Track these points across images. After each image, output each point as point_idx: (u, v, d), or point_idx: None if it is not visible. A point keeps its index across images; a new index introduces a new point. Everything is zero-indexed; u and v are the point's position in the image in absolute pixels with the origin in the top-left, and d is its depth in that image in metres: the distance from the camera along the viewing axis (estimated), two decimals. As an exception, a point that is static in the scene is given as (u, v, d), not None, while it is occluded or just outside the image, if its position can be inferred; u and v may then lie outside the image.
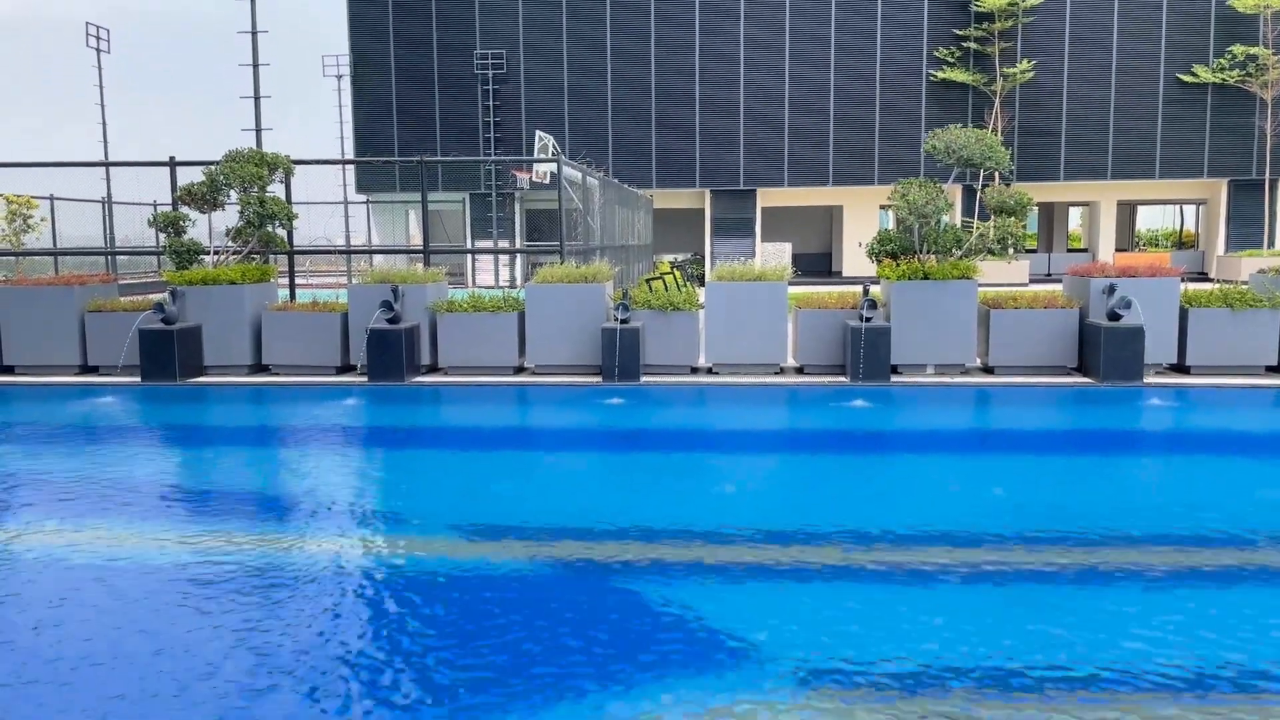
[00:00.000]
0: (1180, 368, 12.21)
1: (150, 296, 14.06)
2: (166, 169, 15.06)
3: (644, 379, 12.20)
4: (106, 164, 21.87)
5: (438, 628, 5.03)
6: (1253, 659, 4.50)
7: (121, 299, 13.90)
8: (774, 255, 30.45)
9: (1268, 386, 11.56)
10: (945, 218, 13.01)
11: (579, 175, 18.54)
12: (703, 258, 33.81)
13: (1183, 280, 12.50)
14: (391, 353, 12.33)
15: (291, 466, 8.96)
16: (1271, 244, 31.86)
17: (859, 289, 12.72)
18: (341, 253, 26.21)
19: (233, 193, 13.75)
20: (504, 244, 32.41)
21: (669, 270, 26.37)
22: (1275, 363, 12.02)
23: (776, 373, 12.61)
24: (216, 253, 14.12)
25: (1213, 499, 7.59)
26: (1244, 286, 12.45)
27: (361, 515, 7.25)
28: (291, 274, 16.22)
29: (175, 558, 6.03)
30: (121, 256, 28.16)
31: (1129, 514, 7.19)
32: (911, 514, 7.17)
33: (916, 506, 7.43)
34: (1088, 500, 7.53)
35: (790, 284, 12.79)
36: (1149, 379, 11.74)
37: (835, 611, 5.18)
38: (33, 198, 25.44)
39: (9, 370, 13.45)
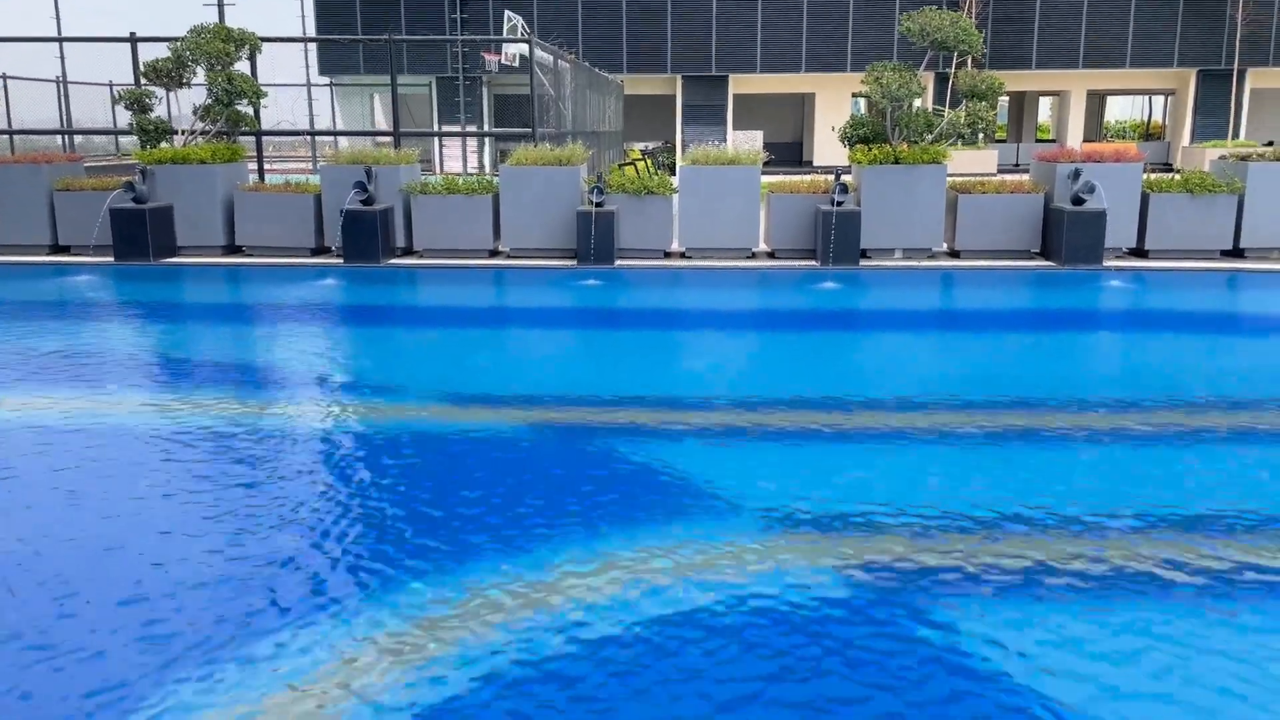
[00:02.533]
0: (1139, 252, 12.58)
1: (117, 177, 13.89)
2: (127, 45, 14.69)
3: (618, 262, 12.37)
4: (61, 39, 21.21)
5: (434, 478, 5.32)
6: (1186, 503, 4.92)
7: (89, 179, 13.74)
8: (745, 143, 30.28)
9: (1222, 270, 11.97)
10: (917, 102, 13.10)
11: (550, 59, 18.29)
12: (673, 146, 33.56)
13: (1146, 169, 12.77)
14: (367, 234, 12.38)
15: (280, 342, 9.13)
16: (1236, 135, 32.12)
17: (831, 176, 12.87)
18: (309, 135, 25.77)
19: (199, 70, 13.50)
20: (472, 129, 31.93)
21: (639, 158, 26.24)
22: (1230, 247, 12.41)
23: (749, 257, 12.83)
24: (184, 132, 13.93)
25: (1157, 371, 8.01)
26: (1204, 173, 12.75)
27: (352, 385, 7.49)
28: (260, 156, 16.03)
29: (187, 422, 6.26)
30: (78, 139, 27.50)
31: (1078, 384, 7.61)
32: (876, 385, 7.53)
33: (881, 378, 7.79)
34: (1042, 372, 7.93)
35: (762, 173, 12.91)
36: (1109, 262, 12.09)
37: (802, 468, 5.54)
38: (-17, 76, 24.67)
39: (-22, 250, 13.35)
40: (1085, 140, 35.31)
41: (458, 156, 30.84)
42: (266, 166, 16.68)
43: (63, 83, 28.44)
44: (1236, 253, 12.47)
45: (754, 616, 3.80)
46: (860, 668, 3.46)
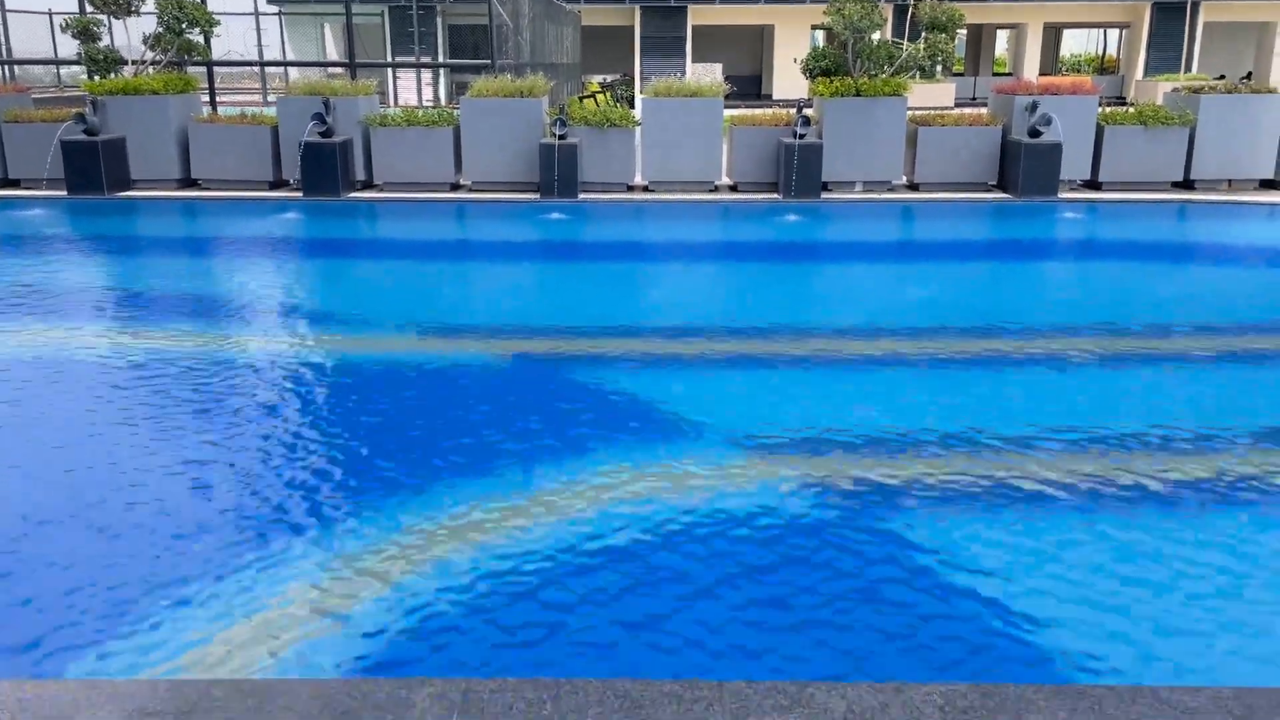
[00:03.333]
0: (1094, 184, 12.82)
1: (66, 109, 13.54)
2: (71, -29, 14.21)
3: (581, 196, 12.37)
4: (-4, -34, 20.37)
5: (407, 407, 5.42)
6: (1117, 421, 5.17)
7: (37, 110, 13.38)
8: (705, 76, 30.04)
9: (1173, 201, 12.25)
10: (878, 35, 13.12)
11: (508, -13, 17.95)
12: (632, 79, 33.19)
13: (1102, 103, 12.95)
14: (326, 167, 12.24)
15: (244, 277, 9.08)
16: (1189, 69, 32.45)
17: (793, 110, 12.90)
18: (261, 65, 25.14)
19: (148, -4, 13.13)
20: (427, 60, 31.31)
21: (598, 90, 25.97)
22: (1181, 178, 12.69)
23: (711, 190, 12.88)
24: (134, 62, 13.58)
25: (1105, 298, 8.28)
26: (1158, 106, 12.96)
27: (316, 318, 7.51)
28: (212, 88, 15.68)
29: (147, 354, 6.27)
30: (16, 70, 26.57)
31: (1031, 311, 7.86)
32: (837, 313, 7.71)
33: (842, 307, 7.97)
34: (996, 300, 8.17)
35: (724, 106, 12.90)
36: (1064, 194, 12.32)
37: (764, 394, 5.71)
38: (-86, 4, 23.67)
39: (-77, 184, 13.01)
40: (1041, 73, 35.48)
41: (412, 89, 30.26)
42: (219, 99, 16.32)
43: (1, 11, 27.38)
44: (1187, 184, 12.76)
45: (720, 527, 3.98)
46: (817, 569, 3.66)
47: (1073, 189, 12.76)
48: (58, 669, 3.07)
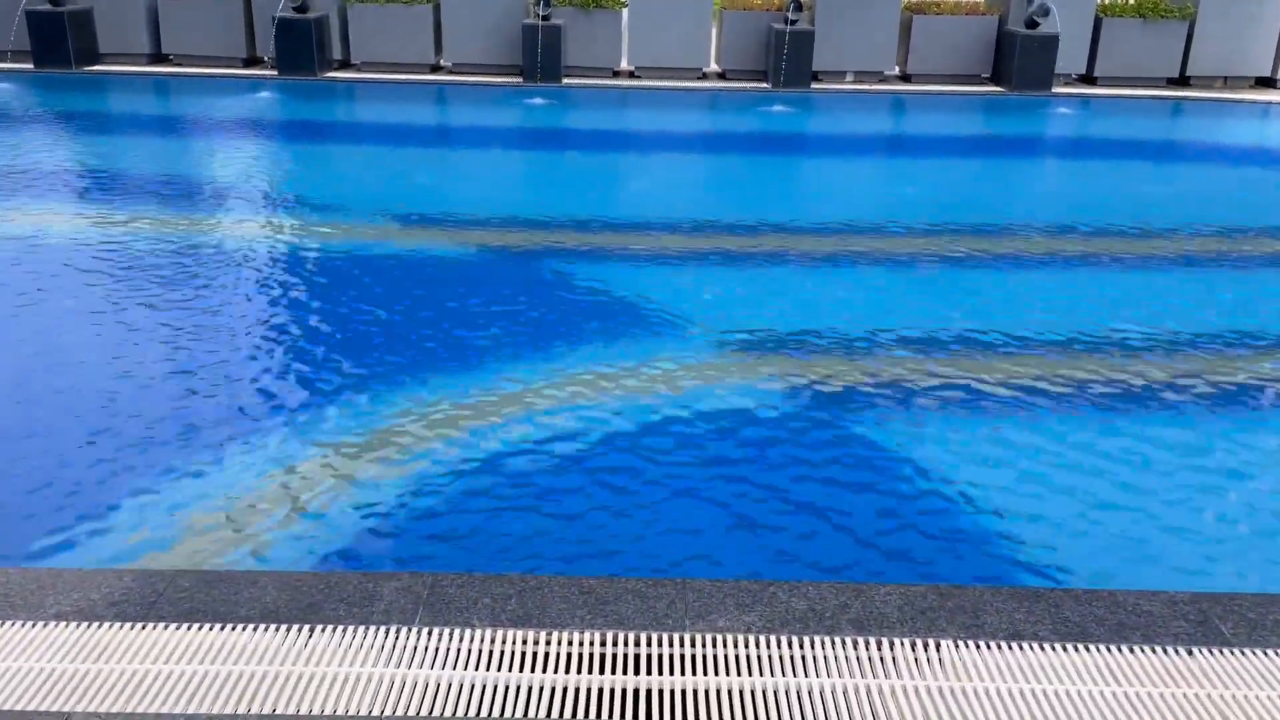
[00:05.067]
0: (1088, 78, 12.56)
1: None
2: None
3: (565, 80, 12.03)
4: None
5: (380, 298, 5.36)
6: (1103, 320, 5.17)
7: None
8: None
9: (1168, 97, 12.04)
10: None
11: None
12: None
13: (1102, -7, 12.59)
14: (301, 44, 11.82)
15: (216, 159, 8.85)
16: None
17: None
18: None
19: None
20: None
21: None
22: (1177, 75, 12.44)
23: (699, 78, 12.56)
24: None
25: (1091, 197, 8.19)
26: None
27: (291, 204, 7.36)
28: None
29: (114, 238, 6.14)
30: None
31: (1018, 209, 7.78)
32: (825, 209, 7.61)
33: (829, 203, 7.86)
34: (983, 198, 8.07)
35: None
36: (1058, 89, 12.08)
37: (746, 290, 5.66)
38: None
39: (-119, 54, 12.51)
40: (1043, -39, 34.39)
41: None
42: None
43: None
44: (1183, 80, 12.52)
45: (694, 425, 3.99)
46: (792, 463, 3.69)
47: (1068, 83, 12.50)
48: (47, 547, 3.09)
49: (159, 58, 12.55)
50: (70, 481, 3.51)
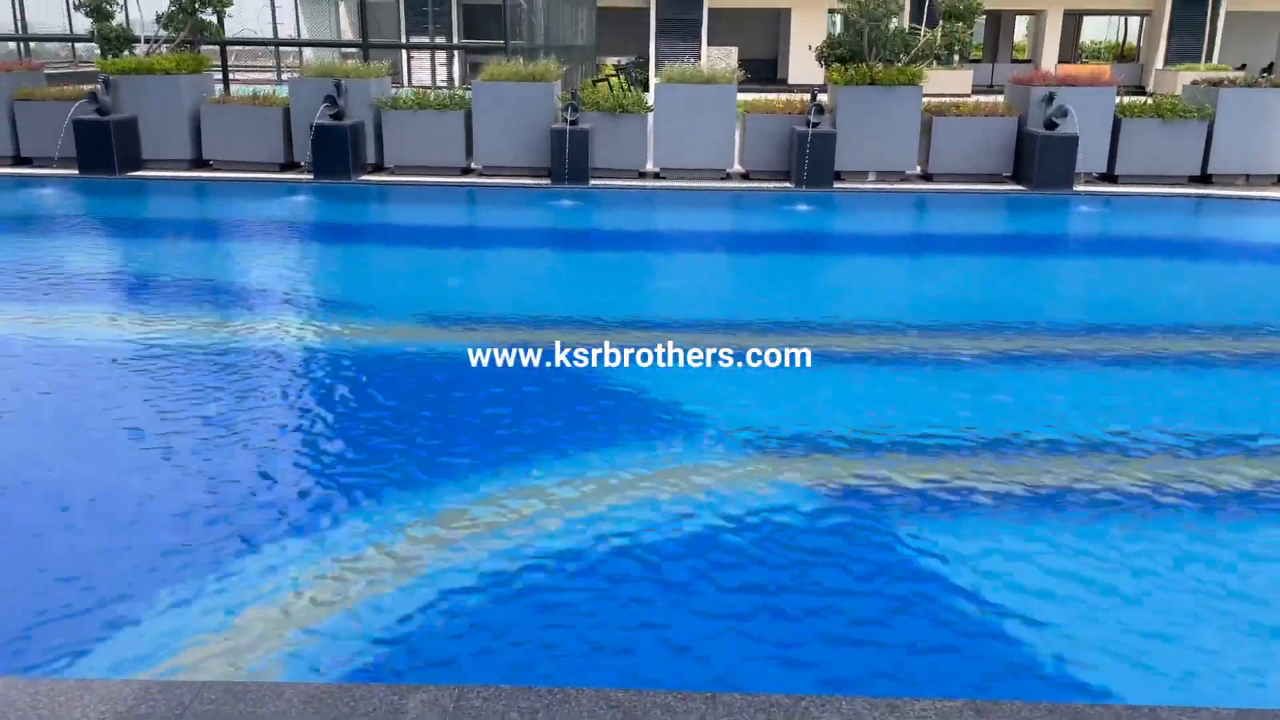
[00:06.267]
0: (1110, 176, 12.69)
1: (79, 87, 13.54)
2: (84, -52, 14.14)
3: (593, 182, 12.30)
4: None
5: (418, 398, 5.41)
6: (1136, 424, 5.12)
7: (50, 89, 13.37)
8: (720, 60, 29.85)
9: (1190, 195, 12.12)
10: (894, 22, 12.98)
11: (522, -32, 17.84)
12: (646, 61, 33.00)
13: (1119, 93, 12.80)
14: (337, 149, 12.21)
15: (255, 260, 9.07)
16: (1210, 58, 32.09)
17: (807, 96, 12.79)
18: (275, 44, 25.06)
19: (161, -25, 13.09)
20: (441, 41, 31.18)
21: (613, 73, 25.82)
22: (1199, 173, 12.55)
23: (723, 178, 12.80)
24: (147, 41, 13.55)
25: (1117, 295, 8.19)
26: (1176, 98, 12.81)
27: (327, 304, 7.50)
28: (225, 67, 15.65)
29: (155, 338, 6.27)
30: (32, 44, 26.58)
31: (1047, 308, 7.79)
32: (847, 307, 7.65)
33: (852, 301, 7.91)
34: (1011, 296, 8.09)
35: (738, 89, 12.81)
36: (1079, 187, 12.20)
37: (776, 389, 5.67)
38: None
39: (-64, 161, 13.03)
40: (1060, 61, 35.14)
41: (426, 69, 30.14)
42: (231, 78, 16.28)
43: (15, -14, 27.33)
44: (1204, 178, 12.62)
45: (723, 528, 3.95)
46: (823, 570, 3.64)
47: (1088, 181, 12.63)
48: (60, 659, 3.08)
49: (200, 163, 12.98)
50: (100, 588, 3.52)
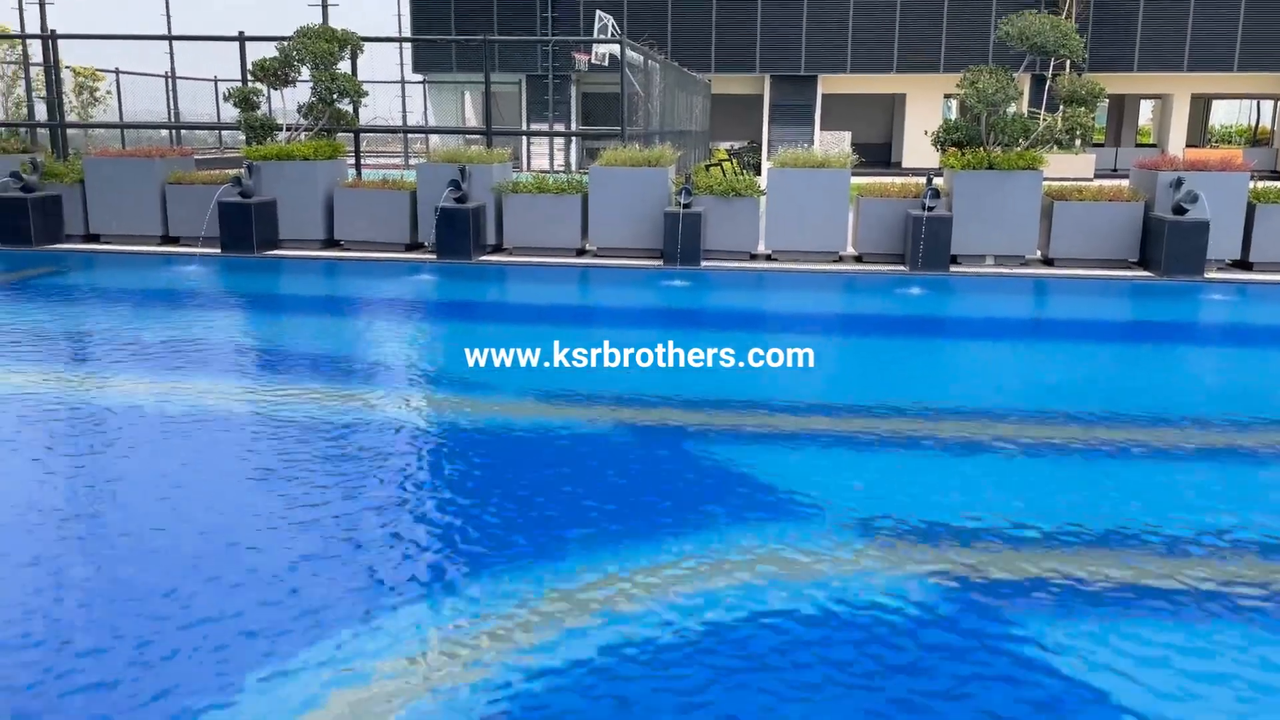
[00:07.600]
0: (1244, 263, 12.19)
1: (224, 171, 14.47)
2: (235, 44, 15.25)
3: (704, 264, 12.45)
4: (171, 37, 22.04)
5: (519, 473, 5.49)
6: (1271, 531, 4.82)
7: (199, 173, 14.33)
8: (833, 144, 30.04)
9: (1331, 285, 11.55)
10: (1013, 107, 12.89)
11: (640, 58, 18.43)
12: (759, 146, 33.46)
13: (1253, 177, 12.37)
14: (459, 231, 12.68)
15: (381, 336, 9.43)
16: (1350, 143, 30.75)
17: (921, 180, 12.75)
18: (404, 131, 26.34)
19: (304, 69, 13.96)
20: (560, 128, 32.31)
21: (725, 158, 26.24)
22: (1341, 261, 11.96)
23: (835, 260, 12.78)
24: (288, 129, 14.43)
25: (1259, 389, 7.79)
26: (1316, 183, 12.29)
27: (450, 380, 7.72)
28: (358, 152, 16.49)
29: (287, 411, 6.55)
30: (183, 132, 28.58)
31: (1176, 399, 7.45)
32: (964, 393, 7.48)
33: (969, 386, 7.73)
34: (1138, 386, 7.78)
35: (851, 173, 12.85)
36: (1210, 274, 11.75)
37: (887, 475, 5.55)
38: (98, 70, 25.82)
39: (95, 239, 14.03)
40: (1188, 145, 34.21)
41: (545, 154, 31.21)
42: (362, 162, 17.15)
43: (171, 78, 29.55)
44: (1348, 266, 12.02)
45: (834, 620, 3.86)
46: (936, 675, 3.50)
47: (1220, 269, 12.16)
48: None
49: (331, 243, 13.64)
50: (202, 658, 3.64)
